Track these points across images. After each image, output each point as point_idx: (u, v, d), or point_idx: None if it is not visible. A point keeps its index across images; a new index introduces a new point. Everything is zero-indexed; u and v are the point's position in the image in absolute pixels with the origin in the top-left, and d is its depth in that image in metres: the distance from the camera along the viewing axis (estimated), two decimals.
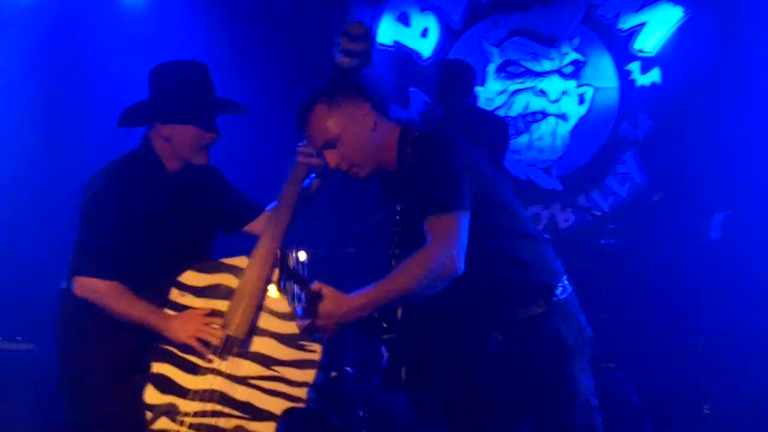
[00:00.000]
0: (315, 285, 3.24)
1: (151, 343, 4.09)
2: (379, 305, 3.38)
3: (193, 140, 4.27)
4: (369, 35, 4.18)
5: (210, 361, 4.06)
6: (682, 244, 6.37)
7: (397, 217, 3.75)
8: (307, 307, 3.23)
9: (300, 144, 4.23)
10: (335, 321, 3.30)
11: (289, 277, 3.17)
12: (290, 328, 4.09)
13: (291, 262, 3.17)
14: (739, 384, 6.03)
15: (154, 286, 4.23)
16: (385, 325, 3.67)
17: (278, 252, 3.21)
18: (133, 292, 4.12)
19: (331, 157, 3.66)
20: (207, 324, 4.07)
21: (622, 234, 6.36)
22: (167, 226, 4.30)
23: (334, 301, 3.27)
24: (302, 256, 3.21)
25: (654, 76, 6.90)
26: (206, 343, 4.04)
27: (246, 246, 4.28)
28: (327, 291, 3.26)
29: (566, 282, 3.68)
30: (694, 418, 6.04)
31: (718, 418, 5.97)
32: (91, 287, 4.07)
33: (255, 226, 4.49)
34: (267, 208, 4.47)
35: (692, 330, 6.28)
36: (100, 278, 4.08)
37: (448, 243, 3.39)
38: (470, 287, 3.53)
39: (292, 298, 3.20)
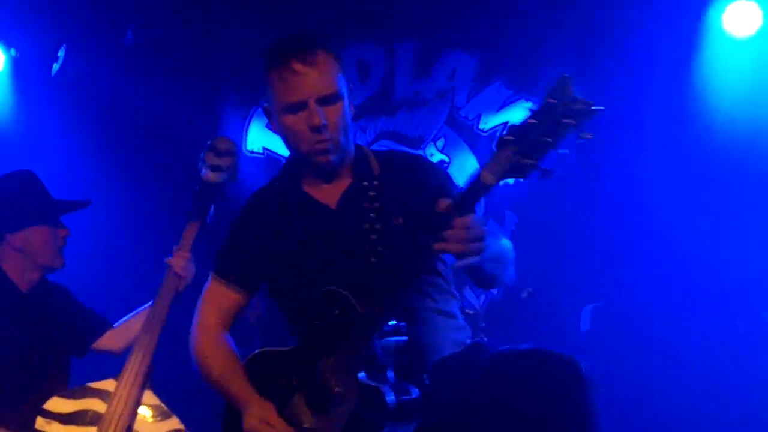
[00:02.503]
0: None
1: None
2: (488, 252, 2.82)
3: (47, 241, 4.18)
4: (235, 150, 4.12)
5: None
6: (553, 338, 6.13)
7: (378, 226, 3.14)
8: None
9: (171, 256, 4.12)
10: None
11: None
12: None
13: None
14: None
15: (20, 413, 4.04)
16: None
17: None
18: None
19: (333, 112, 3.07)
20: None
21: (493, 332, 6.12)
22: (21, 345, 4.12)
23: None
24: None
25: None
26: None
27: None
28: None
29: None
30: None
31: None
32: None
33: (104, 343, 4.40)
34: (115, 325, 4.43)
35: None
36: None
37: None
38: None
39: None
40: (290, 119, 3.07)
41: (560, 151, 2.56)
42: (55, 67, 6.84)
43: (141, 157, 6.98)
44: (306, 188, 3.24)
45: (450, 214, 2.67)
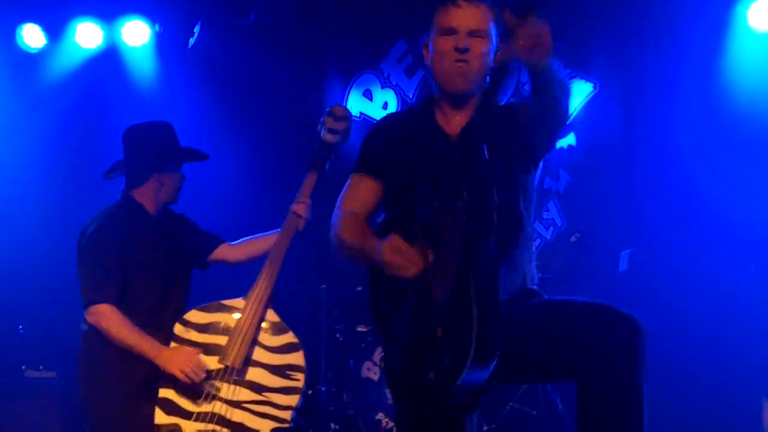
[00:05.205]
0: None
1: (158, 372, 3.94)
2: (555, 71, 2.92)
3: (178, 185, 4.26)
4: (349, 116, 4.22)
5: (208, 388, 3.92)
6: (595, 276, 6.22)
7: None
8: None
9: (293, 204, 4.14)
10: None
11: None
12: (279, 359, 4.00)
13: None
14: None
15: (160, 320, 4.08)
16: None
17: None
18: (131, 322, 3.95)
19: (479, 45, 3.03)
20: (194, 362, 3.88)
21: (547, 269, 6.23)
22: (152, 257, 4.17)
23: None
24: None
25: (570, 139, 6.86)
26: (190, 379, 3.87)
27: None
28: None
29: None
30: None
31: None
32: (96, 312, 3.96)
33: (218, 254, 4.42)
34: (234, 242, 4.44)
35: None
36: (99, 303, 3.95)
37: None
38: None
39: None
40: (441, 41, 3.06)
41: None
42: (191, 41, 6.93)
43: (257, 117, 7.11)
44: (436, 117, 3.16)
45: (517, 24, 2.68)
